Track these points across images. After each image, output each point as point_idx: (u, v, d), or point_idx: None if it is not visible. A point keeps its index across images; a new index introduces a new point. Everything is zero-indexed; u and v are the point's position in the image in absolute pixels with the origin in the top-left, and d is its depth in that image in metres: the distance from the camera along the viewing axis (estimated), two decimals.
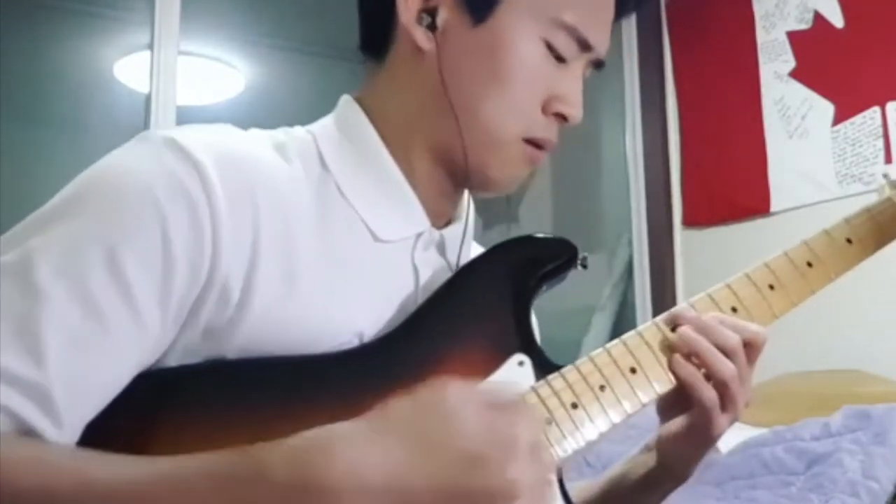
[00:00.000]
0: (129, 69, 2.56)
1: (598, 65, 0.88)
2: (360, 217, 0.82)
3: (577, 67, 0.86)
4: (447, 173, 0.87)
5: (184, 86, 2.48)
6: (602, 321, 2.95)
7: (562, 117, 0.85)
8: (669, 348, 0.84)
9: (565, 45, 0.83)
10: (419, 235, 0.85)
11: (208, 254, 0.71)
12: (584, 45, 0.84)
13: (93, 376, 0.67)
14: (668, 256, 2.92)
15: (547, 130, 0.85)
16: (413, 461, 0.60)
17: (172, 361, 0.73)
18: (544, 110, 0.85)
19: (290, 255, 0.75)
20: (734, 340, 0.83)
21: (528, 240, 0.88)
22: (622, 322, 2.97)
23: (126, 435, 0.69)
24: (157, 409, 0.71)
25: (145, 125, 2.40)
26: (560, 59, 0.84)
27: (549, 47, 0.83)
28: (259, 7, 2.90)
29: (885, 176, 0.98)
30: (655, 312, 2.88)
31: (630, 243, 3.05)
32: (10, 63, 2.31)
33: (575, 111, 0.85)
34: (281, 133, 0.84)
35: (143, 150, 0.74)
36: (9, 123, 2.31)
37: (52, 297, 0.66)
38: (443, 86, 0.83)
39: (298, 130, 0.86)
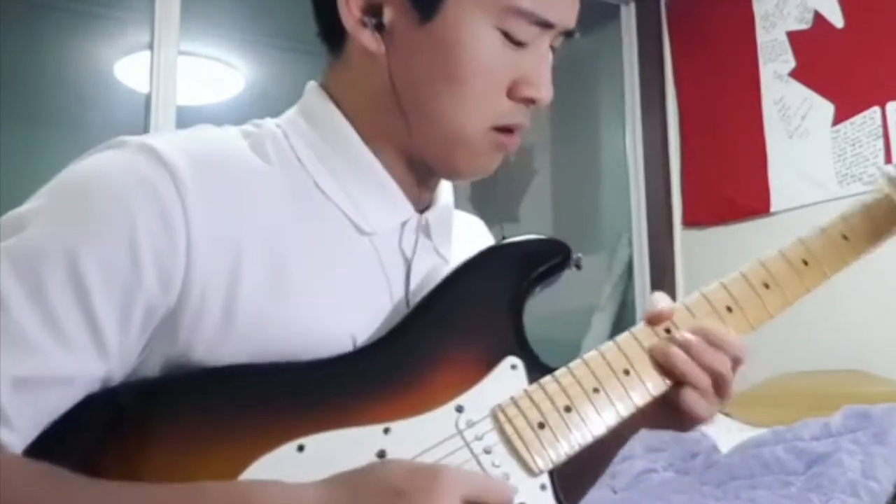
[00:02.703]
0: (129, 69, 2.56)
1: (568, 34, 0.83)
2: (342, 211, 0.80)
3: (541, 46, 0.80)
4: (415, 164, 0.83)
5: (184, 86, 2.48)
6: (602, 321, 2.95)
7: (529, 100, 0.81)
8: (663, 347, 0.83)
9: (523, 30, 0.78)
10: (404, 224, 0.83)
11: (182, 261, 0.69)
12: (546, 25, 0.79)
13: (44, 382, 0.66)
14: (668, 256, 2.92)
15: (516, 116, 0.81)
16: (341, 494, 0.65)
17: (156, 373, 0.71)
18: (510, 95, 0.80)
19: (275, 256, 0.73)
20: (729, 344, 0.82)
21: (522, 241, 0.85)
22: (622, 322, 2.96)
23: (109, 453, 0.67)
24: (135, 424, 0.68)
25: (145, 125, 2.40)
26: (519, 43, 0.79)
27: (506, 35, 0.78)
28: (259, 7, 2.90)
29: (882, 171, 0.97)
30: None
31: (630, 243, 3.05)
32: (10, 63, 2.30)
33: (542, 93, 0.80)
34: (252, 127, 0.82)
35: (115, 155, 0.72)
36: (9, 123, 2.31)
37: (10, 301, 0.65)
38: (393, 88, 0.79)
39: (269, 124, 0.83)
